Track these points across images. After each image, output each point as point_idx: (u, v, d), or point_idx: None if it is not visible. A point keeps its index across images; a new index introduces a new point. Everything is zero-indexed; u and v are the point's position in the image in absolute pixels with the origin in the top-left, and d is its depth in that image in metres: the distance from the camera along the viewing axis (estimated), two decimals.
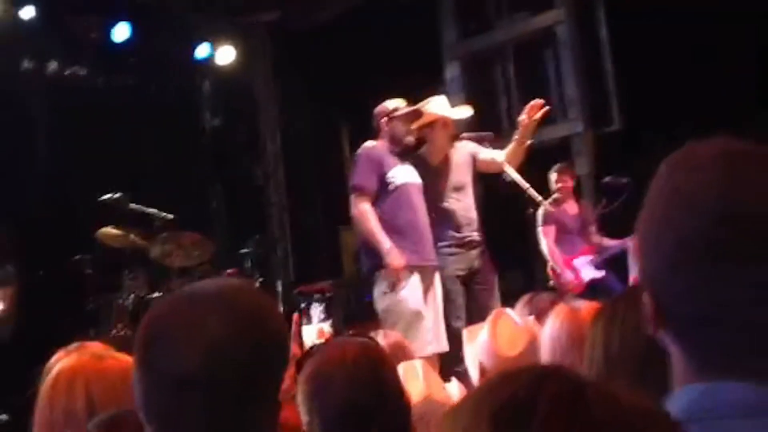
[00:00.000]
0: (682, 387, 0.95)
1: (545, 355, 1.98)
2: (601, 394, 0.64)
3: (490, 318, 2.60)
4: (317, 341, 2.16)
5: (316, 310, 1.88)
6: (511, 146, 5.09)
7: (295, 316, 2.15)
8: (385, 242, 4.79)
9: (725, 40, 6.08)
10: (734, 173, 0.92)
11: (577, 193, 6.67)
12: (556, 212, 6.27)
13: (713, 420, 0.87)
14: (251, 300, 1.35)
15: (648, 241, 0.97)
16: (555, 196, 6.42)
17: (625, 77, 6.60)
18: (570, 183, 6.52)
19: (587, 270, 6.49)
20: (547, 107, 5.02)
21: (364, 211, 4.89)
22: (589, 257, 6.53)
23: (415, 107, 5.11)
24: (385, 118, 5.07)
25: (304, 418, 1.83)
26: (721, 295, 0.91)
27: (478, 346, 2.54)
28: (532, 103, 4.98)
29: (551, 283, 6.48)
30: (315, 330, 1.89)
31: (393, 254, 4.76)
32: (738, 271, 0.90)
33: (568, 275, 6.45)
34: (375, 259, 4.90)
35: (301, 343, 2.16)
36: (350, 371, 1.80)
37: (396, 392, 1.87)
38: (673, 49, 6.25)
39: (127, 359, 1.91)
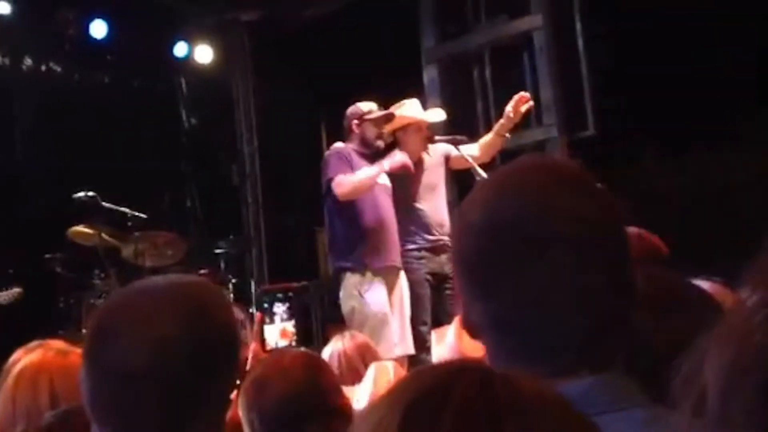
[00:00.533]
0: None
1: None
2: (506, 383, 0.66)
3: (455, 322, 2.63)
4: (280, 341, 2.17)
5: (279, 310, 1.88)
6: (488, 137, 5.13)
7: (258, 315, 2.16)
8: (374, 168, 4.77)
9: (701, 47, 6.13)
10: (499, 190, 1.01)
11: None
12: None
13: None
14: (200, 295, 1.35)
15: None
16: None
17: (600, 84, 6.63)
18: None
19: None
20: (531, 103, 5.07)
21: (342, 179, 4.83)
22: None
23: (387, 111, 5.11)
24: (356, 121, 5.07)
25: (245, 427, 1.83)
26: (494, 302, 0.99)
27: (446, 348, 2.57)
28: (519, 95, 5.03)
29: None
30: (278, 330, 1.89)
31: (389, 160, 4.74)
32: (502, 277, 0.97)
33: None
34: (341, 261, 4.90)
35: (263, 342, 2.17)
36: (286, 373, 1.81)
37: (332, 392, 1.87)
38: (648, 56, 6.30)
39: None
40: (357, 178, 4.81)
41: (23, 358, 1.98)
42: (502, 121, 5.11)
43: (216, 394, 1.32)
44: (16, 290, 5.94)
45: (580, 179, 1.03)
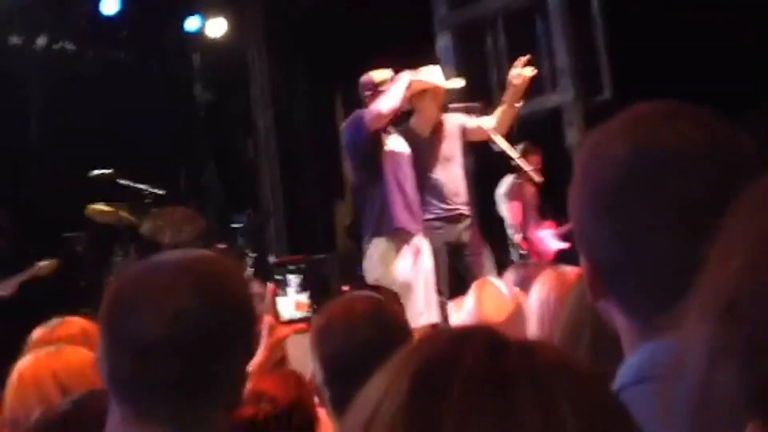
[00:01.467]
0: (632, 351, 0.97)
1: (533, 319, 1.99)
2: (521, 348, 0.64)
3: (474, 287, 2.62)
4: (296, 313, 2.16)
5: (293, 282, 1.89)
6: (500, 109, 5.08)
7: (270, 287, 2.15)
8: (398, 78, 4.78)
9: (719, 12, 6.03)
10: (638, 124, 1.00)
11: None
12: (521, 189, 6.33)
13: (653, 382, 0.88)
14: (216, 269, 1.36)
15: (575, 201, 1.02)
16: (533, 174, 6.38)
17: (615, 47, 6.55)
18: (539, 163, 6.48)
19: (553, 241, 6.56)
20: (534, 69, 5.02)
21: (366, 110, 4.83)
22: (552, 230, 6.60)
23: (416, 84, 5.02)
24: (368, 92, 5.02)
25: (314, 368, 1.84)
26: (636, 240, 0.96)
27: (464, 315, 2.57)
28: (519, 59, 4.98)
29: (522, 252, 6.49)
30: (292, 302, 1.90)
31: (403, 75, 4.75)
32: (648, 213, 0.95)
33: (541, 243, 6.55)
34: (368, 228, 4.89)
35: (276, 315, 2.17)
36: (350, 313, 1.82)
37: (399, 327, 1.86)
38: (664, 18, 6.20)
39: (81, 350, 1.92)
40: (386, 95, 4.78)
41: (22, 359, 1.98)
42: (508, 91, 5.05)
43: (232, 367, 1.33)
44: (54, 261, 6.00)
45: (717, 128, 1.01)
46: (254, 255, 7.15)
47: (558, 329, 1.54)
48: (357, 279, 6.23)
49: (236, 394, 1.36)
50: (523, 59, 4.99)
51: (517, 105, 5.04)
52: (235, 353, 1.34)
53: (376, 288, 2.11)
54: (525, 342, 0.67)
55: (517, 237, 6.51)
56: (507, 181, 6.44)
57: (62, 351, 1.93)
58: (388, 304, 1.92)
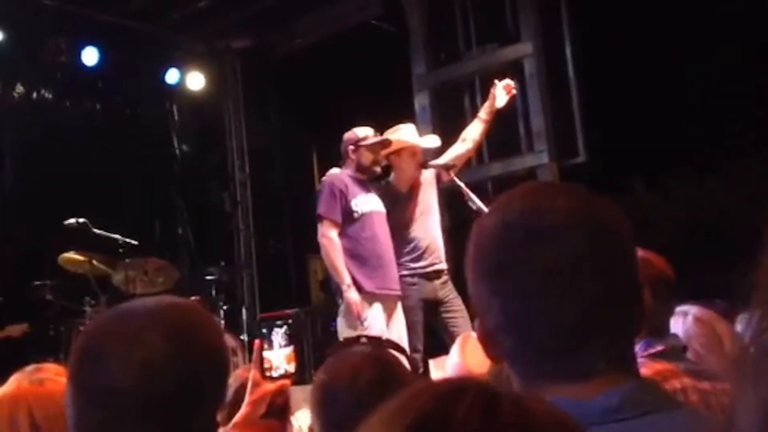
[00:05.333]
0: None
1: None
2: (513, 403, 0.65)
3: (457, 342, 2.62)
4: (286, 365, 2.14)
5: (278, 336, 1.87)
6: (471, 126, 5.24)
7: (257, 342, 2.13)
8: (345, 277, 4.79)
9: (692, 77, 6.19)
10: (508, 197, 1.09)
11: None
12: None
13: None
14: (187, 316, 1.33)
15: (467, 269, 1.10)
16: None
17: (591, 111, 6.68)
18: None
19: None
20: (515, 92, 5.40)
21: (329, 240, 4.89)
22: None
23: (383, 137, 5.13)
24: (352, 146, 5.08)
25: (313, 425, 1.83)
26: (508, 303, 1.03)
27: (449, 368, 2.56)
28: (505, 82, 5.25)
29: None
30: (282, 355, 1.89)
31: (351, 291, 4.76)
32: (514, 266, 1.02)
33: None
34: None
35: (262, 370, 2.14)
36: (356, 378, 1.79)
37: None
38: (639, 84, 6.35)
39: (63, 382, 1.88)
40: (332, 256, 4.85)
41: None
42: (485, 104, 5.25)
43: (203, 416, 1.30)
44: (24, 325, 6.00)
45: (583, 192, 1.09)
46: (227, 307, 7.09)
47: None
48: (330, 334, 6.20)
49: None
50: (510, 83, 5.25)
51: (487, 120, 5.22)
52: (205, 403, 1.30)
53: (388, 343, 2.09)
54: (515, 395, 0.67)
55: None
56: None
57: (45, 382, 1.89)
58: (395, 365, 1.91)
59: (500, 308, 1.03)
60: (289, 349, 2.12)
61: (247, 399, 2.10)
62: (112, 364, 1.24)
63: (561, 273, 0.98)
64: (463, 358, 2.49)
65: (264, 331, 1.90)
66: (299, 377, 2.06)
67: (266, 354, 2.12)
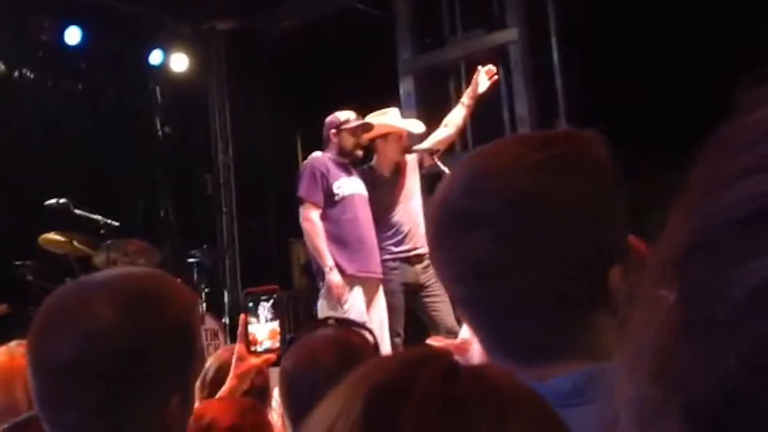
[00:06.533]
0: None
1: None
2: (473, 371, 0.66)
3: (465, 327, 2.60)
4: (267, 341, 2.13)
5: (264, 310, 1.87)
6: (454, 111, 5.25)
7: (242, 316, 2.13)
8: (327, 259, 4.80)
9: (676, 65, 6.20)
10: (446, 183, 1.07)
11: None
12: None
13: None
14: (146, 286, 1.30)
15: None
16: None
17: (574, 97, 6.69)
18: None
19: None
20: (497, 77, 5.41)
21: (311, 223, 4.89)
22: None
23: (365, 120, 5.12)
24: (334, 130, 5.07)
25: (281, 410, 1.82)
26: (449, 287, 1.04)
27: (474, 354, 2.53)
28: (488, 67, 5.27)
29: None
30: (267, 330, 1.87)
31: (334, 273, 4.77)
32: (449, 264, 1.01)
33: None
34: (322, 270, 4.90)
35: (247, 344, 2.13)
36: (315, 364, 1.76)
37: None
38: (623, 71, 6.36)
39: None
40: (315, 239, 4.86)
41: None
42: (468, 90, 5.26)
43: (156, 387, 1.26)
44: (4, 305, 5.96)
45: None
46: (209, 290, 7.08)
47: None
48: (312, 318, 6.20)
49: (164, 414, 1.28)
50: (492, 68, 5.30)
51: (469, 105, 5.28)
52: (161, 374, 1.26)
53: (352, 323, 2.06)
54: (477, 366, 0.68)
55: None
56: None
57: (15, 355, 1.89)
58: (359, 349, 1.89)
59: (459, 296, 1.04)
60: (275, 324, 2.11)
61: (231, 372, 2.10)
62: (58, 334, 1.23)
63: (488, 263, 0.96)
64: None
65: (250, 305, 1.88)
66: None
67: (252, 328, 2.11)
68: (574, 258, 0.96)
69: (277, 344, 2.09)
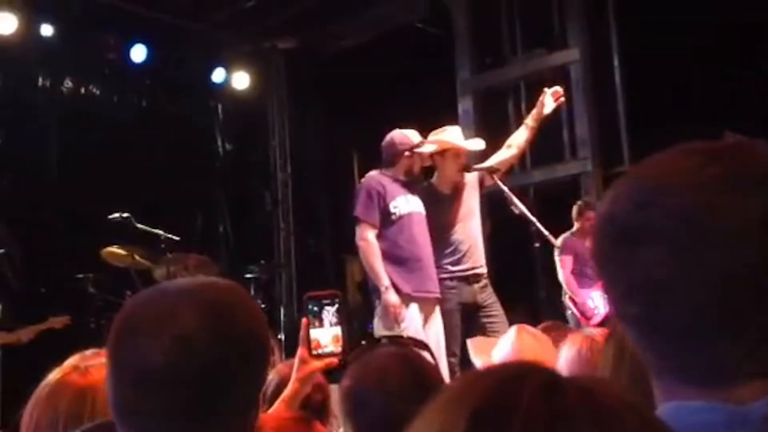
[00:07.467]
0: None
1: None
2: (577, 388, 0.64)
3: (511, 331, 2.57)
4: (333, 346, 2.11)
5: (328, 314, 1.86)
6: (521, 131, 5.20)
7: (304, 320, 2.11)
8: (383, 279, 4.77)
9: (735, 84, 6.09)
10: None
11: None
12: (575, 243, 6.33)
13: None
14: (225, 296, 1.29)
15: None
16: (575, 227, 6.46)
17: (636, 119, 6.61)
18: (593, 219, 6.50)
19: (602, 302, 6.44)
20: (563, 99, 5.23)
21: (367, 242, 4.88)
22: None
23: (438, 144, 5.08)
24: (408, 152, 5.03)
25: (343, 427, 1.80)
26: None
27: (499, 358, 2.51)
28: (555, 89, 5.15)
29: (569, 312, 6.46)
30: (330, 335, 1.87)
31: (390, 293, 4.75)
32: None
33: (589, 307, 6.42)
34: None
35: (309, 348, 2.11)
36: (385, 380, 1.74)
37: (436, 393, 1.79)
38: (686, 90, 6.26)
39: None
40: (371, 258, 4.84)
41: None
42: (536, 109, 5.19)
43: (238, 397, 1.26)
44: (66, 317, 6.11)
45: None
46: (265, 306, 7.12)
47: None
48: (366, 335, 6.20)
49: (243, 426, 1.28)
50: (559, 90, 5.17)
51: (533, 126, 5.19)
52: (242, 384, 1.26)
53: (409, 340, 2.06)
54: (582, 380, 0.66)
55: (566, 296, 6.46)
56: (562, 237, 6.39)
57: (88, 372, 1.90)
58: (425, 366, 1.86)
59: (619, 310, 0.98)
60: (338, 329, 2.09)
61: (293, 376, 2.09)
62: (144, 340, 1.21)
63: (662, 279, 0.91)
64: (517, 350, 2.42)
65: (315, 309, 1.88)
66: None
67: (315, 332, 2.09)
68: (750, 275, 0.91)
69: (340, 348, 2.08)
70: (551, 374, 0.65)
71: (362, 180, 5.16)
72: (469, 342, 2.63)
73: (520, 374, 0.65)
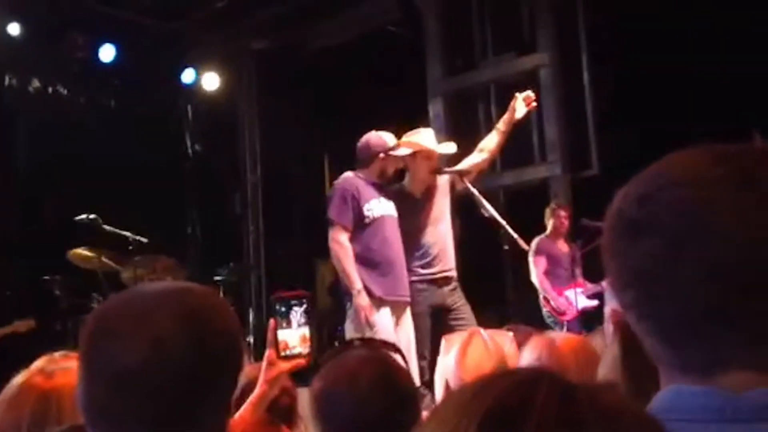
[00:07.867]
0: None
1: None
2: (589, 395, 0.65)
3: (463, 336, 2.56)
4: (301, 347, 2.10)
5: (296, 315, 1.85)
6: (492, 135, 5.19)
7: (272, 321, 2.10)
8: (356, 282, 4.76)
9: (704, 89, 6.16)
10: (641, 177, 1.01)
11: (570, 233, 6.73)
12: (548, 245, 6.46)
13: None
14: (198, 299, 1.28)
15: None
16: (548, 229, 6.63)
17: (605, 123, 6.66)
18: (566, 221, 6.61)
19: (580, 299, 6.55)
20: (535, 104, 5.21)
21: (340, 245, 4.86)
22: (581, 288, 6.60)
23: (411, 146, 5.07)
24: (383, 154, 5.02)
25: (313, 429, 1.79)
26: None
27: (448, 363, 2.50)
28: (526, 93, 5.12)
29: (544, 311, 6.56)
30: (298, 335, 1.85)
31: (362, 296, 4.74)
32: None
33: (561, 302, 6.55)
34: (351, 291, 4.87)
35: (276, 349, 2.10)
36: (356, 383, 1.73)
37: (409, 396, 1.78)
38: (654, 95, 6.32)
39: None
40: (343, 261, 4.82)
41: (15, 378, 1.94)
42: (504, 115, 5.19)
43: (212, 402, 1.25)
44: (31, 320, 6.02)
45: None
46: (234, 308, 7.07)
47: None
48: (336, 338, 6.18)
49: (218, 426, 1.28)
50: (531, 95, 5.15)
51: (504, 131, 5.16)
52: (217, 389, 1.25)
53: (380, 343, 2.05)
54: (590, 385, 0.67)
55: (542, 295, 6.62)
56: (536, 239, 6.52)
57: (54, 375, 1.87)
58: (397, 369, 1.86)
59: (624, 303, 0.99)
60: (306, 329, 2.08)
61: (261, 378, 2.07)
62: (121, 342, 1.20)
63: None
64: (462, 358, 2.40)
65: (283, 309, 1.86)
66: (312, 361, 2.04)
67: (283, 333, 2.08)
68: (740, 270, 0.91)
69: (308, 349, 2.07)
70: (563, 380, 0.66)
71: (337, 182, 5.14)
72: (443, 339, 2.60)
73: (534, 379, 0.66)
